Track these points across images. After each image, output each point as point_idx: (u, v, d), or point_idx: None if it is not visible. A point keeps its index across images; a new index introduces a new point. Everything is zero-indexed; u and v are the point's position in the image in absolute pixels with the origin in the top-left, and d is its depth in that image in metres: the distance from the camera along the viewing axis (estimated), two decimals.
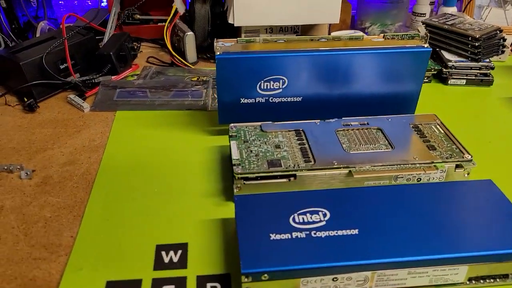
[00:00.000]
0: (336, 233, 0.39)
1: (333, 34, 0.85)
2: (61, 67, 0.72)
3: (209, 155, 0.57)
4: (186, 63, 0.79)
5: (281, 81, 0.56)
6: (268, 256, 0.37)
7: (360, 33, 0.83)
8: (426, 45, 0.56)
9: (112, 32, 0.83)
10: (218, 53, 0.54)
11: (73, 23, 0.92)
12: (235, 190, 0.48)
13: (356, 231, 0.39)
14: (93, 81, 0.73)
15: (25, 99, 0.67)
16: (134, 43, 0.83)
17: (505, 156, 0.57)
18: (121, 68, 0.76)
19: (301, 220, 0.40)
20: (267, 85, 0.56)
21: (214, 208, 0.48)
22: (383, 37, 0.57)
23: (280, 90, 0.57)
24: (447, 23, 0.77)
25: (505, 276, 0.39)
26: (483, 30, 0.73)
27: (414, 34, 0.57)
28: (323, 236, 0.39)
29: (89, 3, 1.09)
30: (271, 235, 0.39)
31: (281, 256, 0.37)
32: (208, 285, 0.40)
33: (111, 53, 0.73)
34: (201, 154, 0.57)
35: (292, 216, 0.41)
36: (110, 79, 0.73)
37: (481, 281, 0.39)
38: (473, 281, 0.39)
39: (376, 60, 0.56)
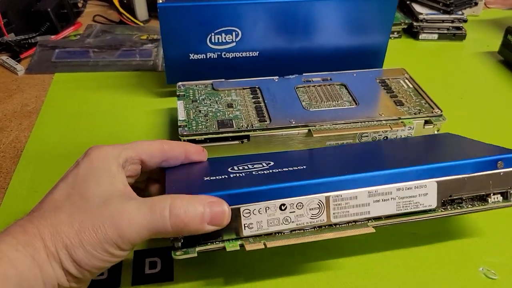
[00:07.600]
0: (283, 170, 0.35)
1: None
2: None
3: (157, 118, 0.51)
4: (136, 21, 0.72)
5: (234, 33, 0.50)
6: None
7: None
8: None
9: None
10: (161, 1, 0.47)
11: None
12: None
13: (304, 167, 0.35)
14: (30, 41, 0.65)
15: None
16: (78, 0, 0.75)
17: (476, 112, 0.54)
18: (61, 27, 0.68)
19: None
20: (218, 38, 0.50)
21: None
22: None
23: (234, 43, 0.51)
24: None
25: (484, 200, 0.35)
26: None
27: None
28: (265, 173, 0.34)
29: None
30: None
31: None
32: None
33: (49, 9, 0.65)
34: (149, 117, 0.52)
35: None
36: (49, 38, 0.66)
37: (457, 206, 0.35)
38: (448, 207, 0.35)
39: (338, 8, 0.51)
